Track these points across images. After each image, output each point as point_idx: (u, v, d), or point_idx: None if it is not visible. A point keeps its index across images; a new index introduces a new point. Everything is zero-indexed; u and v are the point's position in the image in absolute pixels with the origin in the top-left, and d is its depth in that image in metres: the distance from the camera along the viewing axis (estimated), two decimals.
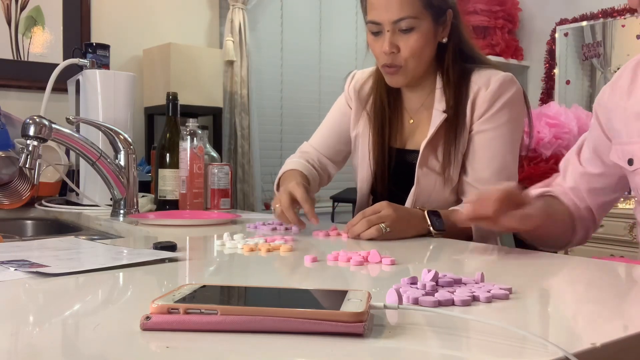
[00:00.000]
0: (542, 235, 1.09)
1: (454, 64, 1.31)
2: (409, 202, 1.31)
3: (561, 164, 1.21)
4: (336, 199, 3.19)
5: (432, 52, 1.30)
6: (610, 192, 1.15)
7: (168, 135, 1.69)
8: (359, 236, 1.11)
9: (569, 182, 1.16)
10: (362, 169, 1.41)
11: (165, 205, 1.66)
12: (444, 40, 1.30)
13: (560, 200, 1.14)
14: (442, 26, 1.30)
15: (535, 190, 1.19)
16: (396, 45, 1.26)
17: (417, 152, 1.31)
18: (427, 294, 0.61)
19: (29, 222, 1.75)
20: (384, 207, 1.13)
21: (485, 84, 1.28)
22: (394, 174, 1.38)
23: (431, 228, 1.16)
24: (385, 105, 1.38)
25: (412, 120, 1.38)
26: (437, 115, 1.29)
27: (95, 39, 2.68)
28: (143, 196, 1.73)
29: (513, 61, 3.77)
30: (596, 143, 1.13)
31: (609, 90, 1.11)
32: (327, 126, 1.50)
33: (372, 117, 1.39)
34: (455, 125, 1.28)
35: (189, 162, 1.58)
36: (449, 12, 1.30)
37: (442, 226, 1.17)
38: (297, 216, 1.17)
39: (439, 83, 1.32)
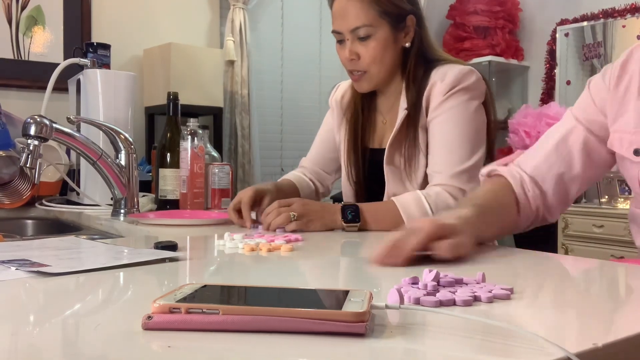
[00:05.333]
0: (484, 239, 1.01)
1: (416, 66, 1.36)
2: (385, 200, 1.36)
3: (542, 142, 1.13)
4: (336, 199, 3.19)
5: (394, 57, 1.35)
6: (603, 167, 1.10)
7: (169, 135, 1.69)
8: (270, 225, 1.18)
9: (541, 158, 1.08)
10: (344, 171, 1.48)
11: (165, 205, 1.66)
12: (407, 45, 1.35)
13: (507, 182, 1.08)
14: (404, 32, 1.35)
15: (486, 168, 1.15)
16: (356, 53, 1.33)
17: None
18: (428, 294, 0.61)
19: (29, 221, 1.75)
20: (295, 201, 1.22)
21: (441, 78, 1.31)
22: (371, 172, 1.43)
23: (342, 222, 1.20)
24: (359, 109, 1.45)
25: (384, 121, 1.44)
26: (401, 113, 1.34)
27: (95, 38, 2.68)
28: (144, 196, 1.73)
29: (513, 61, 3.77)
30: (593, 126, 1.07)
31: (617, 74, 1.06)
32: (318, 140, 1.59)
33: (348, 121, 1.46)
34: (415, 120, 1.33)
35: (189, 162, 1.58)
36: (410, 17, 1.34)
37: (356, 219, 1.21)
38: (237, 217, 1.27)
39: (403, 85, 1.37)
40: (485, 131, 1.35)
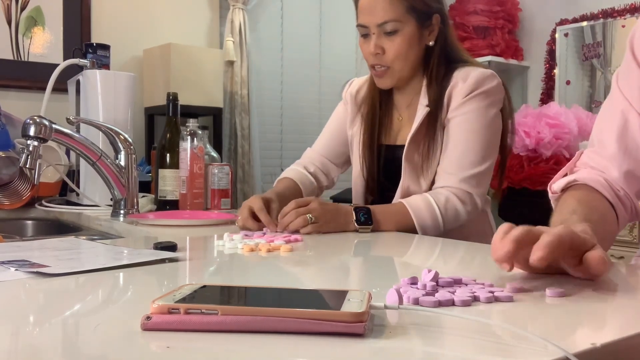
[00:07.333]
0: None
1: (438, 65, 1.37)
2: (397, 196, 1.36)
3: (596, 136, 1.03)
4: (336, 199, 3.19)
5: (418, 55, 1.36)
6: None
7: (168, 135, 1.69)
8: (288, 227, 1.15)
9: (611, 150, 0.97)
10: (356, 166, 1.48)
11: (165, 205, 1.66)
12: (431, 43, 1.36)
13: (592, 189, 0.96)
14: (429, 30, 1.36)
15: (558, 182, 1.01)
16: (381, 47, 1.34)
17: (404, 146, 1.36)
18: (427, 294, 0.61)
19: (29, 222, 1.75)
20: (312, 201, 1.19)
21: (463, 78, 1.33)
22: (385, 169, 1.43)
23: (355, 223, 1.20)
24: (377, 105, 1.45)
25: (400, 118, 1.45)
26: (421, 109, 1.35)
27: (95, 39, 2.68)
28: (143, 196, 1.73)
29: (513, 61, 3.77)
30: None
31: None
32: (327, 131, 1.58)
33: (364, 117, 1.46)
34: (435, 119, 1.34)
35: (189, 162, 1.58)
36: (436, 16, 1.36)
37: (368, 221, 1.21)
38: (256, 223, 1.21)
39: (424, 83, 1.38)
40: (500, 138, 1.36)
